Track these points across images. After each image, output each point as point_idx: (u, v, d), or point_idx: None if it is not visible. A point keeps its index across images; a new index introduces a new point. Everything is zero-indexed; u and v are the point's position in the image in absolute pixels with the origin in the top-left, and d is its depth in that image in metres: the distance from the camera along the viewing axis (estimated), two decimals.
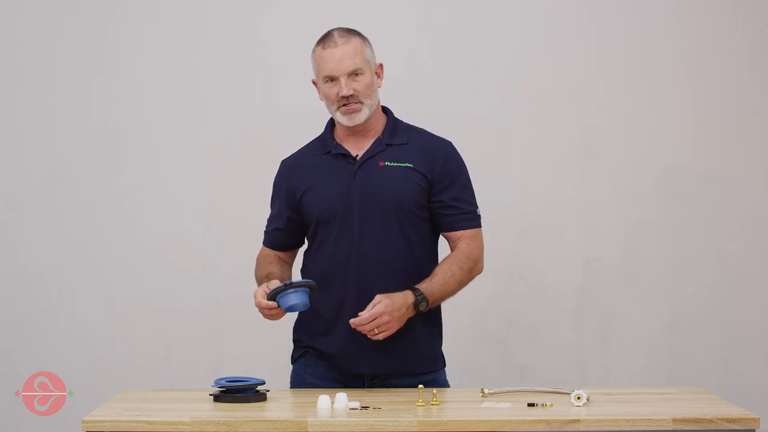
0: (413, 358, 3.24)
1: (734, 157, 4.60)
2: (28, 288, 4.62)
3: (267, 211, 3.45)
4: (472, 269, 3.26)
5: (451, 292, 3.23)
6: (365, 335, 3.10)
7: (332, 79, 3.17)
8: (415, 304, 3.12)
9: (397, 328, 3.10)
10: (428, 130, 3.37)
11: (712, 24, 4.59)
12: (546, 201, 4.60)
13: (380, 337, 3.08)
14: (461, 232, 3.27)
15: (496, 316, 4.59)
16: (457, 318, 4.49)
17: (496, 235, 4.56)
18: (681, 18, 4.59)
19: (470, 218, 3.29)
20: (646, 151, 4.60)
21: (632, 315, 4.59)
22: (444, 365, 3.35)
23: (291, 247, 3.38)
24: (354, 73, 3.16)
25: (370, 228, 3.19)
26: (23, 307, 4.62)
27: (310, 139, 3.38)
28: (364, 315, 3.07)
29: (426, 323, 3.25)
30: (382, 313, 3.06)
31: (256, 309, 3.16)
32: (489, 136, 4.58)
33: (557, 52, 4.60)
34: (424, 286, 3.15)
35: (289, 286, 3.07)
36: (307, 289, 3.09)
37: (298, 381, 3.32)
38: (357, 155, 3.22)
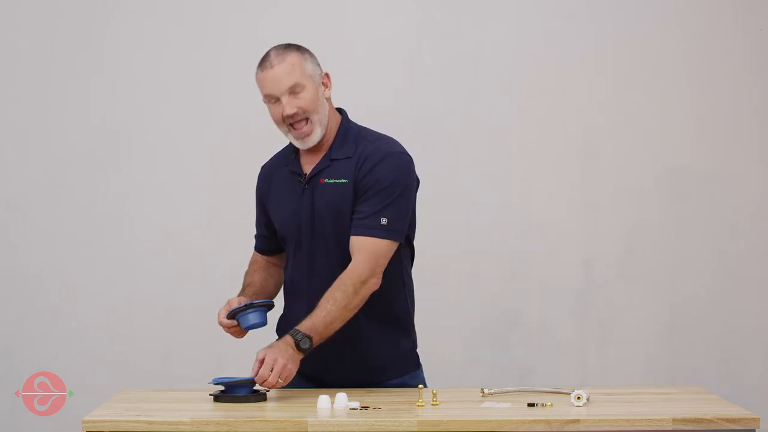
0: (371, 367, 3.17)
1: (734, 157, 4.60)
2: (28, 288, 4.62)
3: None
4: (359, 290, 3.03)
5: (341, 318, 3.04)
6: (332, 346, 3.07)
7: (275, 99, 3.11)
8: (296, 344, 3.00)
9: (295, 367, 2.99)
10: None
11: (712, 24, 4.59)
12: (546, 201, 4.60)
13: (286, 382, 2.98)
14: (354, 239, 3.07)
15: (496, 316, 4.59)
16: (457, 318, 4.51)
17: (496, 235, 4.58)
18: (681, 18, 4.59)
19: (366, 225, 3.06)
20: (646, 151, 4.60)
21: (632, 315, 4.59)
22: (417, 367, 3.25)
23: (276, 251, 3.33)
24: (294, 91, 3.08)
25: (317, 246, 3.14)
26: (23, 307, 4.62)
27: None
28: (262, 372, 2.96)
29: (383, 329, 3.18)
30: (274, 357, 2.96)
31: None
32: (489, 136, 4.58)
33: (557, 52, 4.60)
34: (303, 323, 3.03)
35: (249, 306, 3.11)
36: (265, 309, 3.13)
37: None
38: (306, 173, 3.18)
